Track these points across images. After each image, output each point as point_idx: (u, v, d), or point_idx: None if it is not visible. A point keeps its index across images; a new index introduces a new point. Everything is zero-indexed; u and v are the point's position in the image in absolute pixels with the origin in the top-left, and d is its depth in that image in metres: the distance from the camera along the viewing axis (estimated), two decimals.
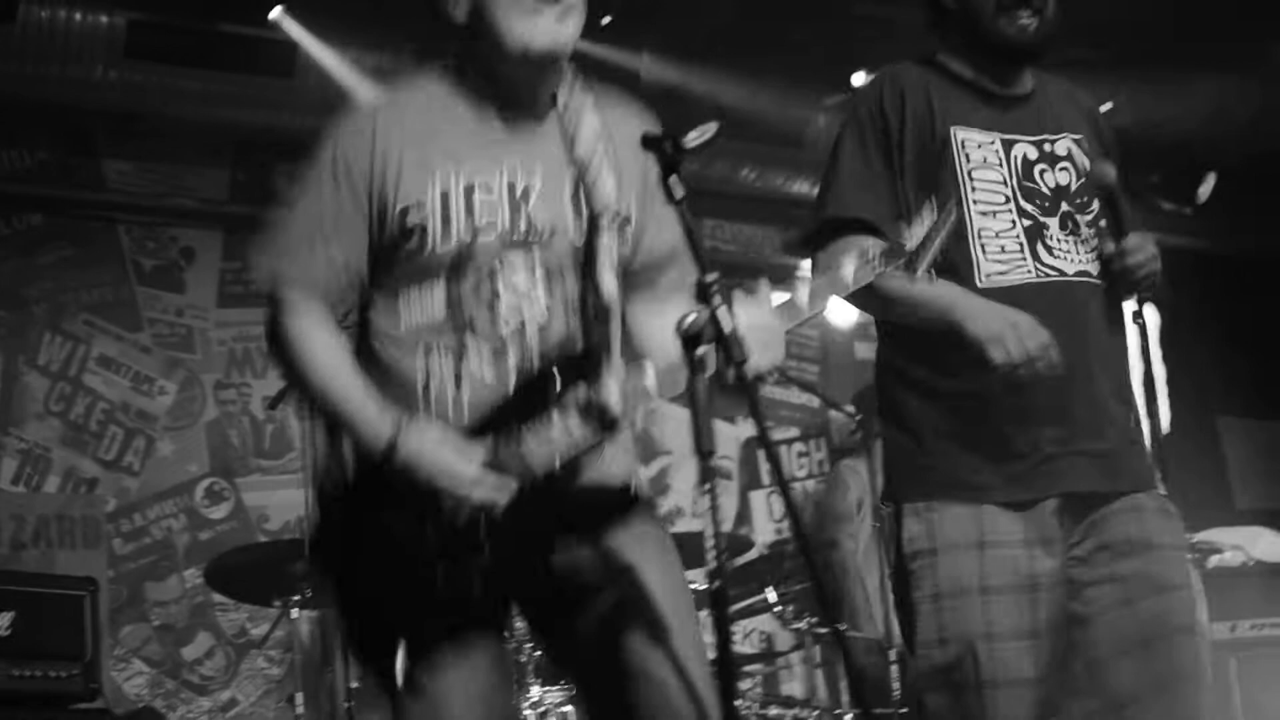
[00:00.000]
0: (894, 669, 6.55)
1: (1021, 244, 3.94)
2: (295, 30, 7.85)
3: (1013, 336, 3.69)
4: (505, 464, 3.32)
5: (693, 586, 4.03)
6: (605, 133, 3.54)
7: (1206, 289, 11.24)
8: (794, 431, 10.39)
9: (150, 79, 7.88)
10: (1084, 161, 4.07)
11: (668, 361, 3.25)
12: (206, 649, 8.39)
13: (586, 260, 3.47)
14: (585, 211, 3.49)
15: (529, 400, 3.35)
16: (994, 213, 3.95)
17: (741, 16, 8.36)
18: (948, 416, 3.94)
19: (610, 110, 3.62)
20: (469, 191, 3.42)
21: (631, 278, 3.60)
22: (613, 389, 3.31)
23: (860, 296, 3.65)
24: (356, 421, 3.38)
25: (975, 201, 3.95)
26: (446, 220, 3.39)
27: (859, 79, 9.07)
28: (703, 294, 3.10)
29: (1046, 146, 4.08)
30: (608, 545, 3.44)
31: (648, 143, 3.24)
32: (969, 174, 3.98)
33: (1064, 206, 4.01)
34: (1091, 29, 8.40)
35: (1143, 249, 3.96)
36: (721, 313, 3.08)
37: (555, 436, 3.31)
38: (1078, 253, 3.98)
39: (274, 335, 3.49)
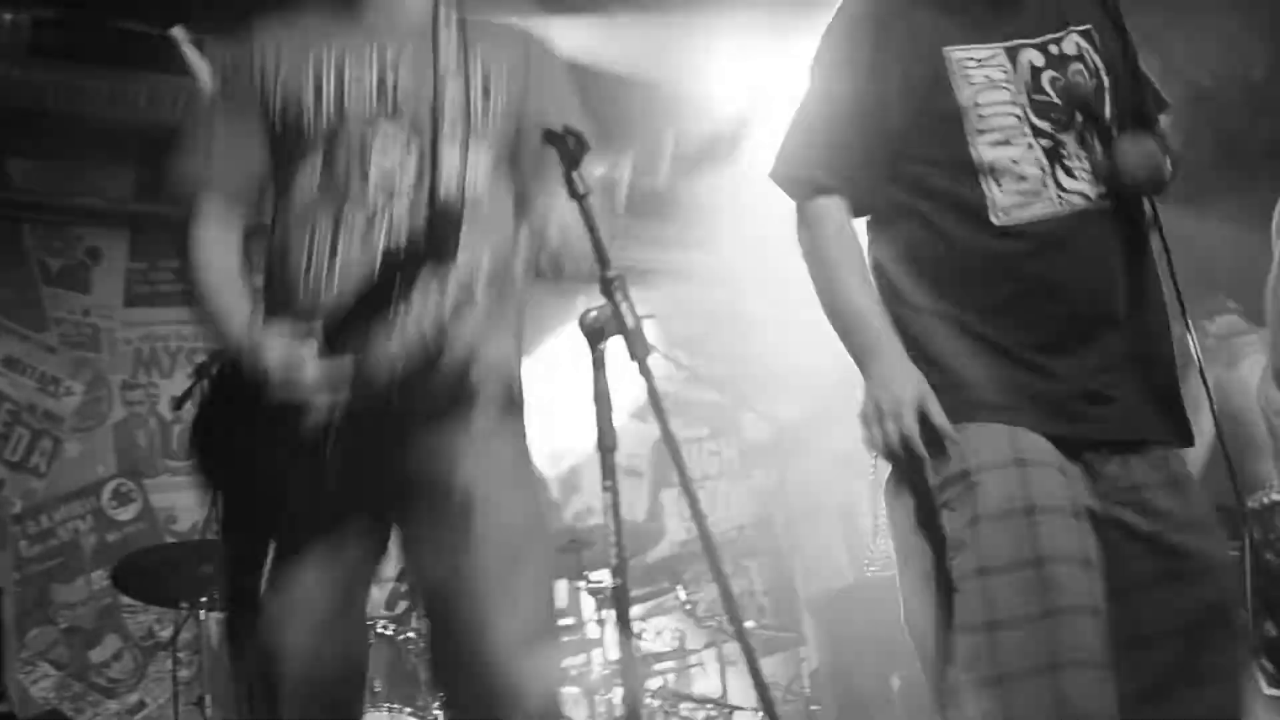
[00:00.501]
0: None
1: (1042, 168, 3.50)
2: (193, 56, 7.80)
3: (878, 428, 3.37)
4: (362, 354, 3.35)
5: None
6: (476, 41, 3.67)
7: None
8: (704, 430, 10.43)
9: (55, 77, 7.82)
10: (1095, 59, 3.63)
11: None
12: (114, 651, 8.33)
13: (437, 141, 3.54)
14: (441, 98, 3.57)
15: (390, 281, 3.38)
16: (1007, 140, 3.51)
17: None
18: (967, 335, 3.49)
19: (482, 29, 3.73)
20: (340, 65, 3.59)
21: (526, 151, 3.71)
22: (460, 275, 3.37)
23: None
24: (221, 321, 3.53)
25: (982, 132, 3.51)
26: (319, 92, 3.57)
27: None
28: (606, 289, 3.11)
29: (1053, 48, 3.62)
30: (453, 471, 3.45)
31: (549, 138, 3.24)
32: (974, 101, 3.53)
33: (1079, 117, 3.56)
34: None
35: (1134, 150, 3.55)
36: (624, 308, 3.08)
37: (409, 327, 3.34)
38: (1099, 171, 3.54)
39: (182, 238, 3.66)
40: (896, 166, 3.59)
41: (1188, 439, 3.56)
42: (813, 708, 8.31)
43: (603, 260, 3.12)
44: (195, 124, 3.74)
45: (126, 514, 8.58)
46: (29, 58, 7.62)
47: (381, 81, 3.60)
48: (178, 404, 6.65)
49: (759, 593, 10.14)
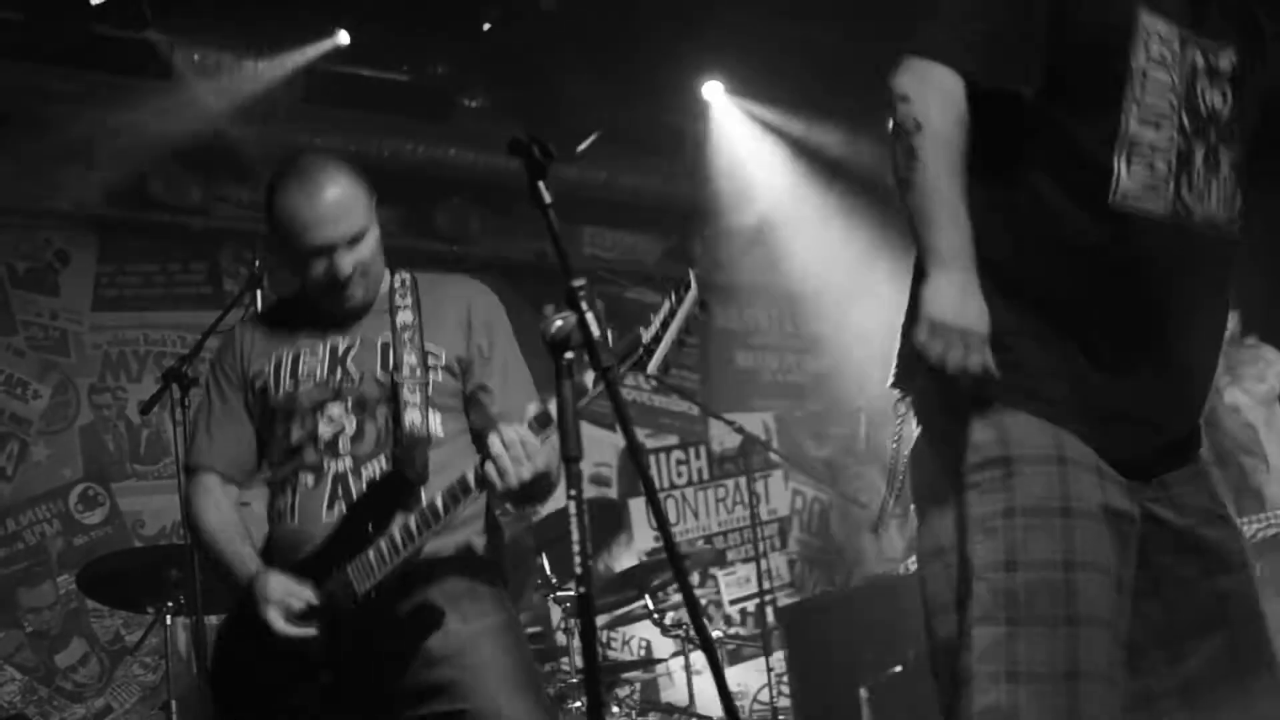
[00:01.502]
0: None
1: (1170, 167, 3.30)
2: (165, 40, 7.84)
3: (959, 346, 3.16)
4: (332, 595, 4.06)
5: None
6: (423, 309, 4.37)
7: None
8: (673, 439, 10.44)
9: (22, 80, 7.83)
10: (1240, 82, 3.43)
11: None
12: (80, 655, 8.32)
13: (394, 403, 4.22)
14: (392, 367, 4.26)
15: (353, 525, 4.10)
16: (1156, 123, 3.30)
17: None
18: (1033, 316, 3.31)
19: (438, 287, 4.45)
20: (296, 356, 4.34)
21: (473, 404, 4.36)
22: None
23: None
24: (228, 569, 4.29)
25: (1140, 103, 3.27)
26: (278, 377, 4.33)
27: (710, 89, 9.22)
28: (570, 300, 3.12)
29: (1212, 56, 3.41)
30: (444, 667, 4.05)
31: (515, 148, 3.25)
32: (1143, 71, 3.29)
33: (1212, 137, 3.37)
34: None
35: None
36: (588, 318, 3.10)
37: (373, 561, 4.01)
38: (1211, 196, 3.36)
39: (185, 502, 4.50)
40: (1038, 107, 3.29)
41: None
42: (780, 718, 8.31)
43: (567, 271, 3.13)
44: (196, 410, 4.64)
45: (94, 518, 8.56)
46: None
47: (330, 372, 4.29)
48: (145, 408, 6.71)
49: (727, 602, 10.16)
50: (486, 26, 8.22)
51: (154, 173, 8.66)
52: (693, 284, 3.76)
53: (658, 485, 10.35)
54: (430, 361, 4.28)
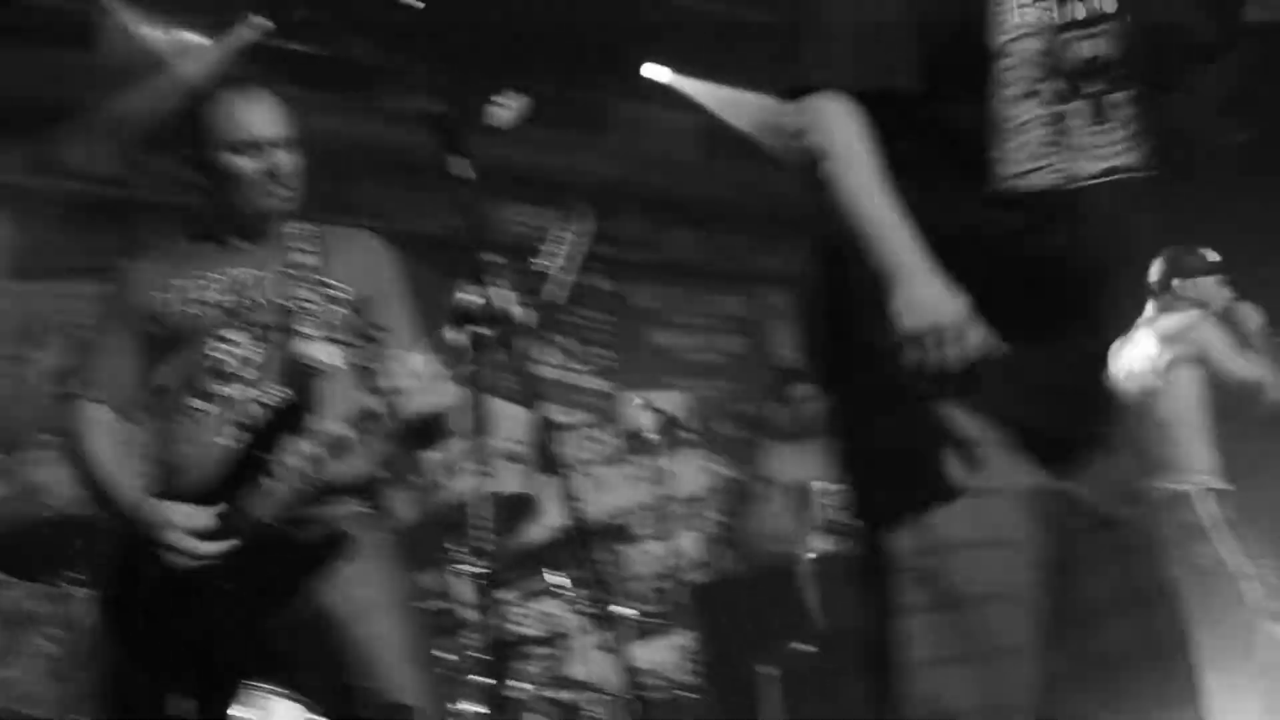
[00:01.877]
0: None
1: (1051, 133, 3.22)
2: None
3: (934, 341, 3.03)
4: (229, 521, 4.11)
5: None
6: (328, 252, 4.49)
7: None
8: (586, 416, 10.44)
9: None
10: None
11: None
12: None
13: (290, 332, 4.31)
14: (290, 298, 4.35)
15: (247, 453, 4.17)
16: (1030, 92, 3.21)
17: None
18: None
19: (335, 233, 4.61)
20: (193, 280, 4.38)
21: (369, 342, 4.43)
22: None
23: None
24: (114, 496, 4.29)
25: (1008, 78, 3.19)
26: (175, 303, 4.35)
27: (651, 70, 9.22)
28: (476, 274, 3.14)
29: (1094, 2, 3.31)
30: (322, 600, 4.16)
31: (427, 120, 3.27)
32: (1008, 42, 3.21)
33: (1097, 85, 3.26)
34: None
35: None
36: (494, 294, 3.12)
37: (272, 489, 4.09)
38: (1104, 147, 3.26)
39: (68, 431, 4.44)
40: (921, 102, 3.22)
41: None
42: (688, 694, 8.33)
43: (476, 245, 3.15)
44: (88, 344, 4.57)
45: (1, 489, 8.48)
46: None
47: (227, 298, 4.34)
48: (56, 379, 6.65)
49: (640, 578, 10.16)
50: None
51: (75, 144, 8.61)
52: (582, 214, 3.98)
53: (570, 462, 10.37)
54: (330, 293, 4.40)
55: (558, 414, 10.41)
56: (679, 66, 9.41)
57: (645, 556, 10.05)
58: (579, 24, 8.64)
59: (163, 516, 4.12)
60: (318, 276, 4.41)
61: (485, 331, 3.32)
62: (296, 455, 4.10)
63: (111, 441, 4.38)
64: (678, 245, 11.11)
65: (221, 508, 4.12)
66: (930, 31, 3.18)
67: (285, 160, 4.39)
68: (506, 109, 8.81)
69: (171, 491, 4.24)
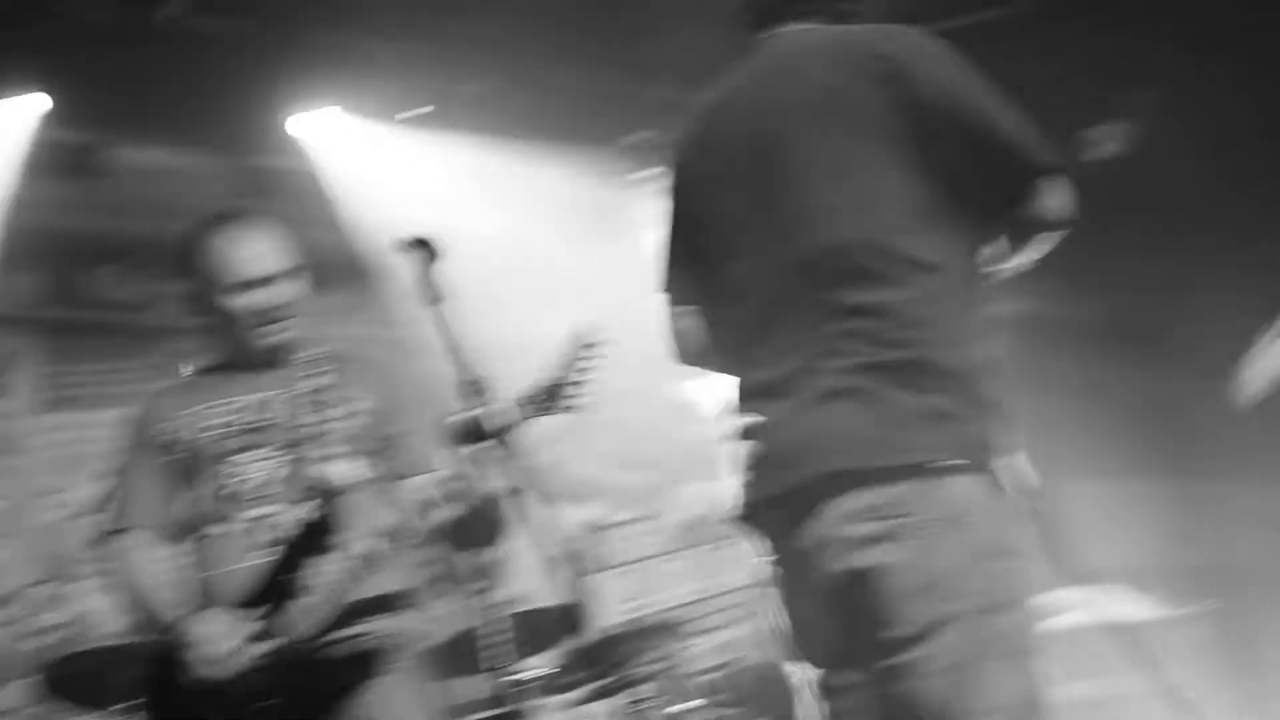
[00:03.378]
0: None
1: None
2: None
3: None
4: (270, 633, 4.16)
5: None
6: (343, 370, 4.54)
7: (1052, 351, 11.41)
8: (636, 512, 10.41)
9: None
10: None
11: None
12: None
13: (313, 449, 4.36)
14: (311, 419, 4.40)
15: (279, 571, 4.21)
16: None
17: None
18: None
19: (349, 353, 4.64)
20: (209, 408, 4.48)
21: (389, 451, 4.49)
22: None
23: None
24: (159, 617, 4.35)
25: None
26: (198, 429, 4.46)
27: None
28: (469, 393, 3.16)
29: None
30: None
31: (409, 245, 3.29)
32: None
33: None
34: None
35: None
36: (485, 412, 3.13)
37: (305, 607, 4.13)
38: None
39: (111, 562, 4.54)
40: None
41: None
42: None
43: (463, 364, 3.16)
44: (118, 474, 4.63)
45: (53, 619, 8.50)
46: None
47: (250, 420, 4.41)
48: (94, 510, 6.71)
49: (697, 672, 10.09)
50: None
51: (99, 272, 8.64)
52: (585, 327, 4.14)
53: (622, 560, 10.34)
54: (350, 409, 4.46)
55: (602, 512, 10.39)
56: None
57: (701, 650, 10.00)
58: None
59: (200, 629, 4.19)
60: (336, 394, 4.46)
61: (482, 446, 3.32)
62: (325, 573, 4.14)
63: (150, 566, 4.44)
64: None
65: (255, 623, 4.17)
66: None
67: (286, 292, 4.39)
68: None
69: (211, 610, 4.29)
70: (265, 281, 4.36)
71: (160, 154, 8.20)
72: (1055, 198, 3.41)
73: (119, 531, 4.53)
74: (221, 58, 7.66)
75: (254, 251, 4.37)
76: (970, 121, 3.40)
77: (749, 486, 3.55)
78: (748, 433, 3.53)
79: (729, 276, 3.54)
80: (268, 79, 8.11)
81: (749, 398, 3.54)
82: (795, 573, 3.52)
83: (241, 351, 4.48)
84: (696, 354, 3.75)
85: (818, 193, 3.45)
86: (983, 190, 3.43)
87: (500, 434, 3.19)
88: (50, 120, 7.83)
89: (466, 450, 3.33)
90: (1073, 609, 7.54)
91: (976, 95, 3.45)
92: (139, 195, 8.13)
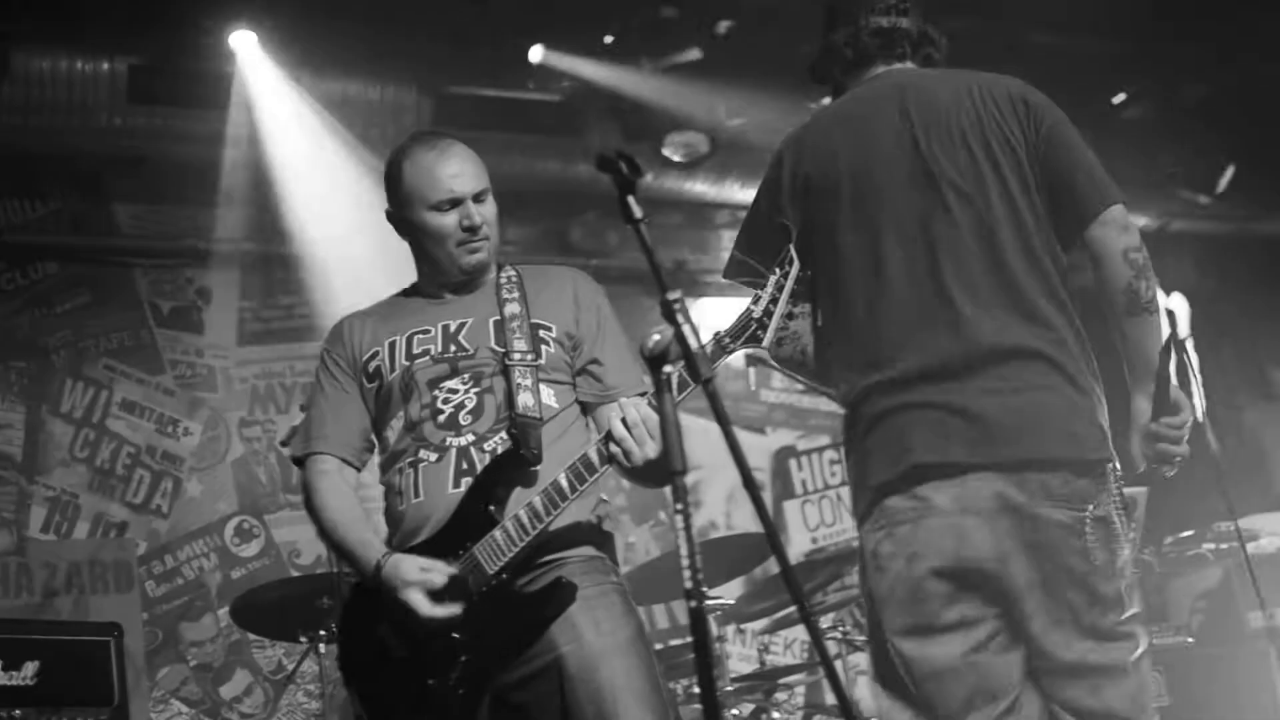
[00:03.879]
0: None
1: None
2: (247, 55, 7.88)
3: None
4: (462, 577, 4.09)
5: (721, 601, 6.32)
6: (528, 293, 4.47)
7: (1236, 275, 11.20)
8: (825, 439, 10.37)
9: (154, 122, 7.95)
10: None
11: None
12: (245, 686, 8.43)
13: (507, 381, 4.29)
14: (504, 349, 4.34)
15: (474, 504, 4.16)
16: None
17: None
18: None
19: (542, 274, 4.59)
20: (410, 336, 4.44)
21: (584, 378, 4.45)
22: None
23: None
24: (352, 555, 4.31)
25: None
26: (393, 356, 4.42)
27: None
28: (667, 313, 3.10)
29: None
30: (579, 686, 4.07)
31: (602, 164, 3.23)
32: None
33: None
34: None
35: None
36: (685, 330, 3.07)
37: (501, 542, 4.08)
38: None
39: (304, 489, 4.48)
40: None
41: None
42: None
43: (661, 285, 3.11)
44: (309, 400, 4.62)
45: (250, 550, 8.67)
46: (128, 105, 7.73)
47: (444, 349, 4.38)
48: (285, 440, 6.79)
49: None
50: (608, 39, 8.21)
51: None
52: (794, 256, 3.91)
53: (812, 487, 10.34)
54: (541, 334, 4.40)
55: (798, 439, 10.38)
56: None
57: None
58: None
59: (400, 576, 4.12)
60: (530, 321, 4.41)
61: (675, 370, 3.26)
62: (523, 505, 4.08)
63: (345, 494, 4.41)
64: None
65: (454, 565, 4.11)
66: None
67: (484, 212, 4.42)
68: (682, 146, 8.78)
69: (405, 544, 4.25)
70: (468, 199, 4.38)
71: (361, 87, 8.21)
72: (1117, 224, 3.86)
73: (311, 455, 4.47)
74: None
75: (456, 171, 4.40)
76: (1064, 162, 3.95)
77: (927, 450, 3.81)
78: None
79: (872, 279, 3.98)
80: None
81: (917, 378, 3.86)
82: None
83: (442, 272, 4.47)
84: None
85: (983, 214, 3.90)
86: (1062, 216, 3.93)
87: (695, 360, 3.13)
88: None
89: (662, 375, 3.26)
90: (1264, 536, 7.36)
91: (1080, 147, 3.96)
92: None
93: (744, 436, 9.86)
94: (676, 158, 8.92)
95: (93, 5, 7.44)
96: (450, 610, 4.07)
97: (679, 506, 3.02)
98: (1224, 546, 7.22)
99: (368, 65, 8.27)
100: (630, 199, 3.19)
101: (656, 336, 3.12)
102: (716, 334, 3.95)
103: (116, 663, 6.72)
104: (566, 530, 4.21)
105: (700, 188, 9.48)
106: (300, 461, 4.52)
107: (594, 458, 4.01)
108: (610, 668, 4.07)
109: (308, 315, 9.03)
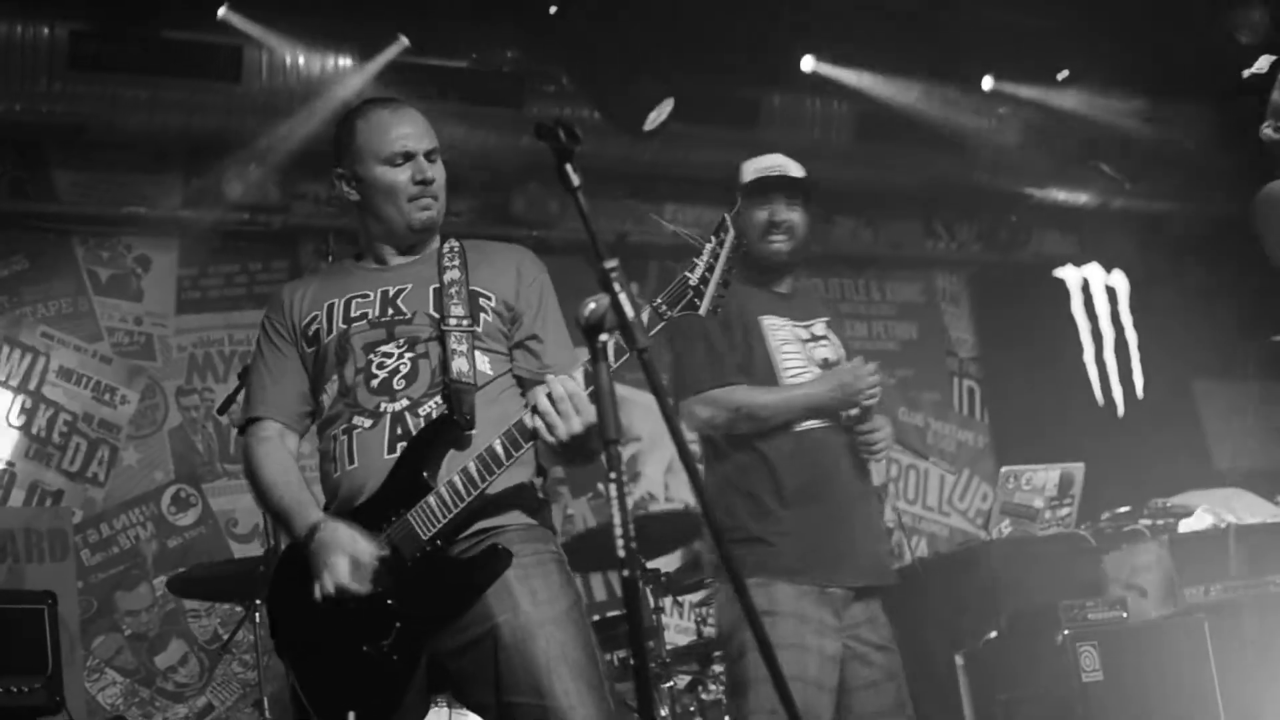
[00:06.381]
0: None
1: None
2: (242, 24, 7.86)
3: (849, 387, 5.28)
4: (395, 543, 4.09)
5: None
6: (469, 263, 4.50)
7: (1176, 253, 11.26)
8: None
9: (95, 89, 7.87)
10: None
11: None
12: (180, 656, 8.41)
13: (441, 348, 4.30)
14: (441, 314, 4.35)
15: (408, 469, 4.16)
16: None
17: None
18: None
19: (485, 247, 4.61)
20: (348, 301, 4.45)
21: (521, 351, 4.48)
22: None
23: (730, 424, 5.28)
24: (287, 517, 4.30)
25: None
26: (330, 319, 4.43)
27: (808, 63, 9.13)
28: (604, 281, 3.10)
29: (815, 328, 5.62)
30: (514, 655, 4.09)
31: (541, 132, 3.24)
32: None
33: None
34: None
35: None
36: (621, 299, 3.08)
37: (435, 508, 4.07)
38: None
39: (244, 455, 4.48)
40: None
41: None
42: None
43: (598, 253, 3.11)
44: (250, 368, 4.67)
45: (187, 519, 8.65)
46: (69, 71, 7.66)
47: (381, 315, 4.39)
48: (222, 407, 6.77)
49: None
50: (553, 9, 8.19)
51: (231, 174, 8.66)
52: (729, 225, 3.96)
53: None
54: (480, 302, 4.42)
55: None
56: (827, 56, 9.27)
57: None
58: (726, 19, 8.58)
59: (335, 540, 4.12)
60: (469, 288, 4.42)
61: (609, 339, 3.26)
62: (457, 472, 4.06)
63: (283, 458, 4.42)
64: (840, 235, 11.00)
65: (385, 540, 4.12)
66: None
67: (435, 171, 4.46)
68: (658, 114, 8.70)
69: (342, 510, 4.25)
70: (420, 156, 4.42)
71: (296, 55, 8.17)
72: None
73: (251, 421, 4.49)
74: None
75: (410, 128, 4.46)
76: None
77: None
78: None
79: None
80: None
81: None
82: None
83: (391, 232, 4.49)
84: None
85: None
86: None
87: (630, 328, 3.13)
88: None
89: (598, 343, 3.26)
90: (1198, 512, 7.41)
91: None
92: (273, 96, 8.13)
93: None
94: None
95: None
96: (369, 588, 4.07)
97: (613, 475, 3.02)
98: (1160, 523, 7.27)
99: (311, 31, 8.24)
100: (568, 167, 3.20)
101: (592, 305, 3.13)
102: (654, 302, 3.95)
103: (50, 631, 6.71)
104: (503, 496, 4.21)
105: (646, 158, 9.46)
106: (242, 429, 4.53)
107: (527, 423, 3.99)
108: (547, 638, 4.07)
109: (246, 284, 8.99)
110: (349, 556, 4.08)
